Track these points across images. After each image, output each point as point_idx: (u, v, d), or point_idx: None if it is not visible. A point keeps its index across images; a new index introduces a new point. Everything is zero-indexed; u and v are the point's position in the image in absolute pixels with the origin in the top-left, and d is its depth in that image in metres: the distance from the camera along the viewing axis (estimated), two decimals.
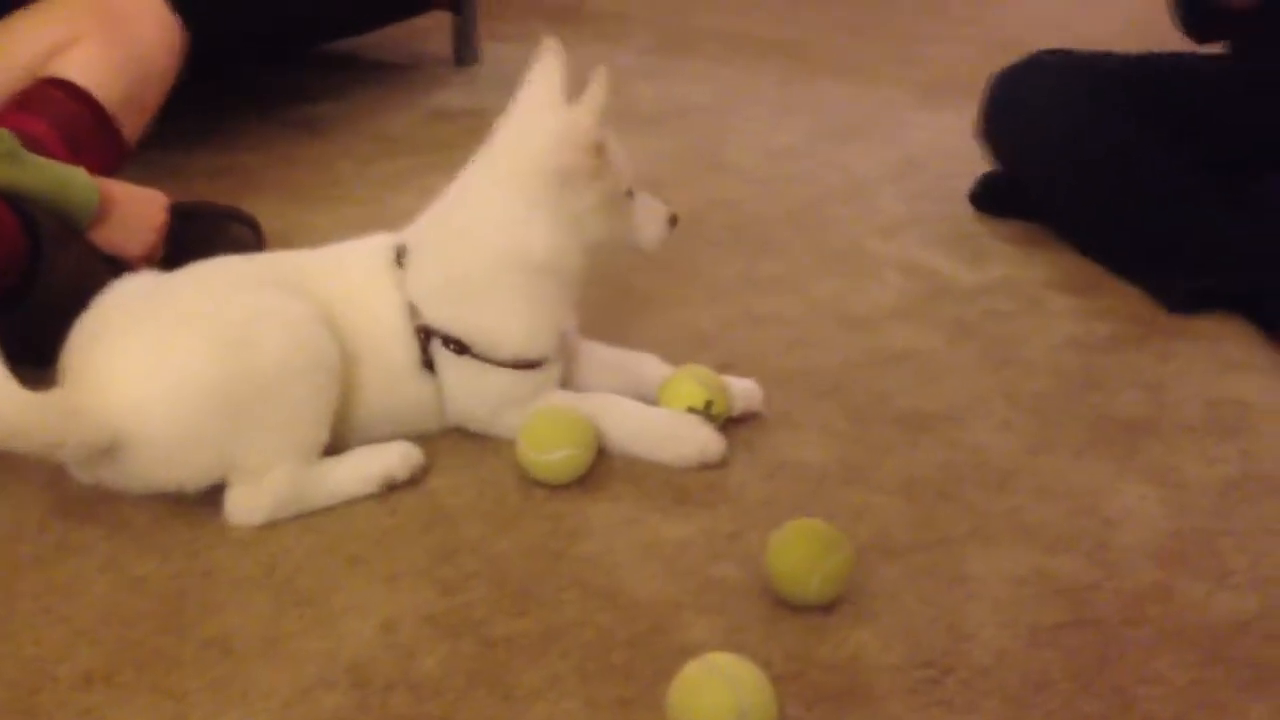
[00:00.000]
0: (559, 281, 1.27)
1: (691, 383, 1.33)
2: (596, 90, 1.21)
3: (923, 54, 3.02)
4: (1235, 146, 1.79)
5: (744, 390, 1.38)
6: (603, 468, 1.26)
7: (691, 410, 1.31)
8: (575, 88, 1.26)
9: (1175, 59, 1.85)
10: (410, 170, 2.11)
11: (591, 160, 1.22)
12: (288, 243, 1.72)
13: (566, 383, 1.35)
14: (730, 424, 1.34)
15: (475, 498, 1.21)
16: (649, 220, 1.32)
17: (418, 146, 2.22)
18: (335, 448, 1.22)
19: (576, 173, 1.22)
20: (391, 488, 1.20)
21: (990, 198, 2.00)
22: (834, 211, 2.02)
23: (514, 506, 1.20)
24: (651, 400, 1.33)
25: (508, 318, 1.26)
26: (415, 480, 1.22)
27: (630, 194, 1.30)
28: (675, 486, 1.25)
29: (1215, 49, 1.91)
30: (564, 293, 1.29)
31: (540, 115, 1.26)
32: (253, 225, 1.68)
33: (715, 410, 1.32)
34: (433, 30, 2.81)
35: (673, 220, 1.33)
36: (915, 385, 1.48)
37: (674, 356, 1.41)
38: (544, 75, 1.27)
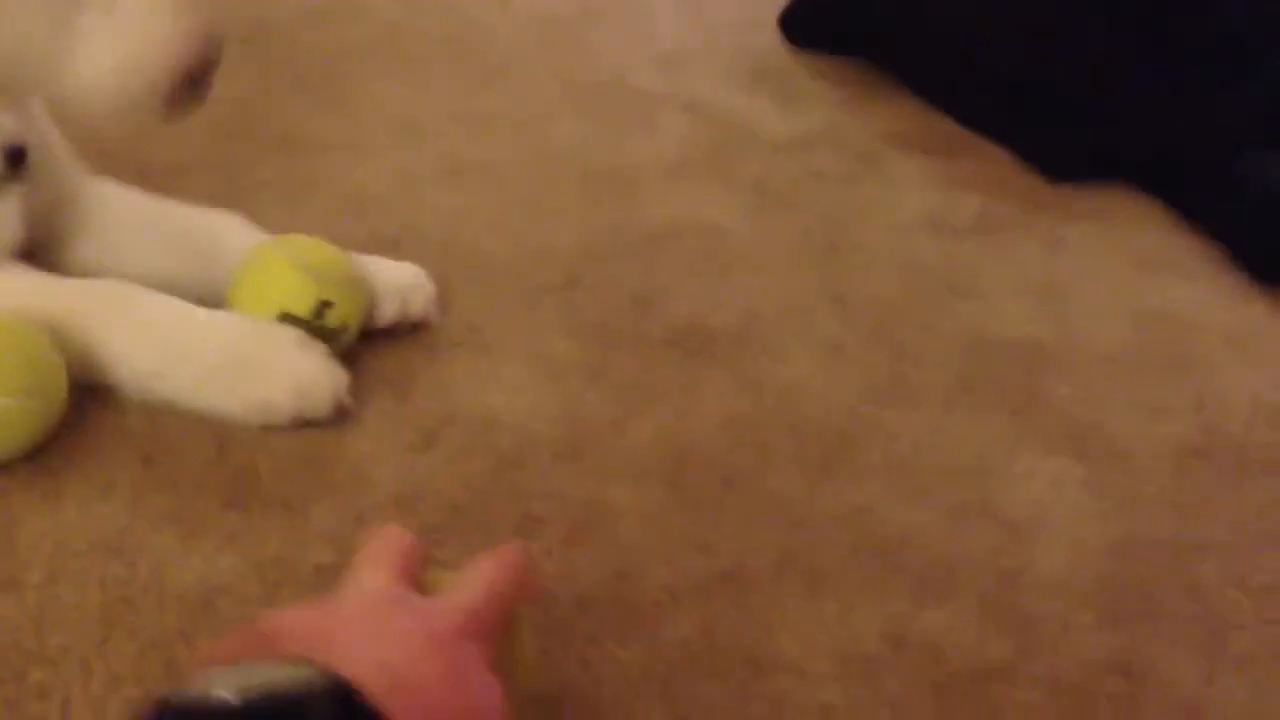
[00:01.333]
0: None
1: (291, 269, 0.72)
2: None
3: None
4: None
5: (399, 282, 0.78)
6: (91, 426, 0.66)
7: (289, 319, 0.71)
8: None
9: None
10: None
11: None
12: None
13: (47, 253, 0.73)
14: (371, 345, 0.75)
15: None
16: (115, 39, 0.62)
17: None
18: None
19: None
20: None
21: (810, 22, 1.43)
22: (596, 31, 1.42)
23: None
24: (220, 297, 0.73)
25: None
26: None
27: None
28: (237, 468, 0.65)
29: None
30: None
31: None
32: None
33: (336, 320, 0.72)
34: None
35: (194, 72, 0.64)
36: (697, 282, 0.92)
37: (294, 223, 0.80)
38: None
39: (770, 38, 1.44)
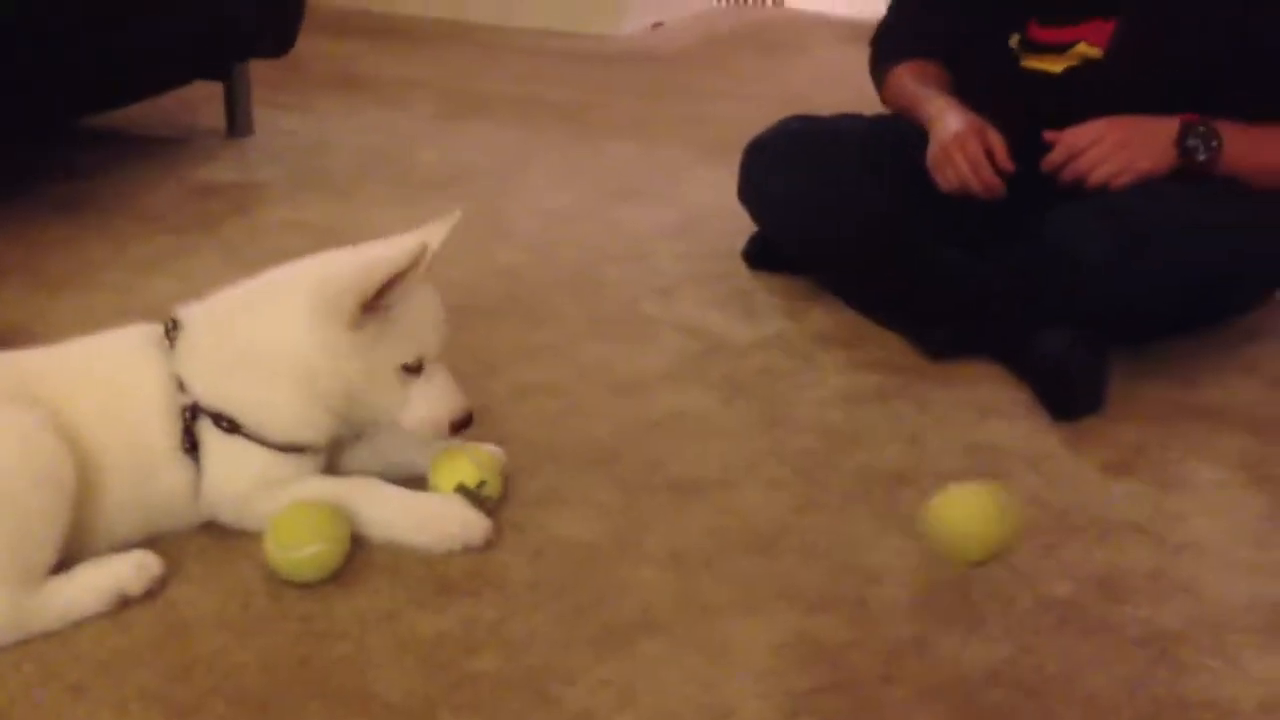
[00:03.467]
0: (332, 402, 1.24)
1: (464, 460, 1.29)
2: (403, 252, 1.17)
3: (708, 112, 3.09)
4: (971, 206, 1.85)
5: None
6: (361, 560, 1.21)
7: (461, 488, 1.27)
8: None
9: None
10: (169, 251, 2.01)
11: (350, 309, 1.18)
12: (28, 335, 1.62)
13: (329, 463, 1.30)
14: (497, 505, 1.31)
15: (218, 606, 1.14)
16: (425, 406, 1.24)
17: (179, 224, 2.13)
18: (77, 555, 1.13)
19: (333, 316, 1.19)
20: (125, 603, 1.12)
21: (762, 255, 2.04)
22: (610, 274, 2.02)
23: (260, 612, 1.14)
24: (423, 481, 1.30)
25: (287, 399, 1.21)
26: (152, 592, 1.14)
27: (413, 371, 1.24)
28: (437, 575, 1.20)
29: None
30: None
31: (362, 252, 1.25)
32: None
33: (487, 491, 1.28)
34: (207, 101, 2.72)
35: (459, 423, 1.26)
36: (687, 450, 1.48)
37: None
38: (424, 232, 1.26)
39: (736, 263, 2.04)
